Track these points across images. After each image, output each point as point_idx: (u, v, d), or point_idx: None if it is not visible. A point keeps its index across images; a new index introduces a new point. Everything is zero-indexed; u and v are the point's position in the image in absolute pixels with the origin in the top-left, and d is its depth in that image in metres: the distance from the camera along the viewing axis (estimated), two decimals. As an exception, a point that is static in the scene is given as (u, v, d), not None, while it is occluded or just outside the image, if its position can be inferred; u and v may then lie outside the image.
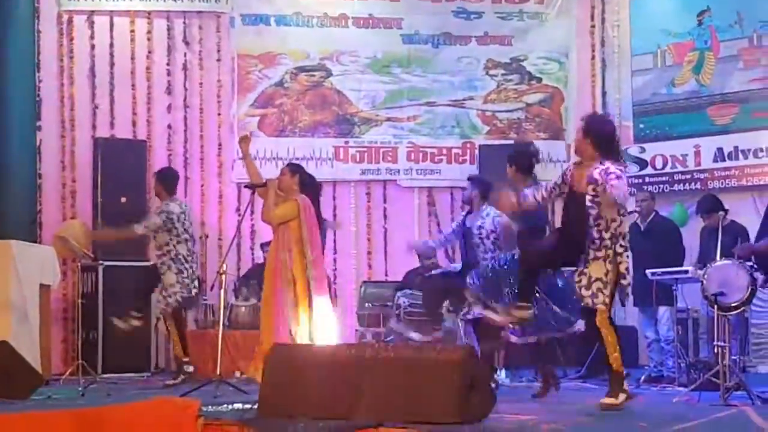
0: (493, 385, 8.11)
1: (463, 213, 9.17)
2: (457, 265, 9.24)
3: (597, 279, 6.82)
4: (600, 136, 6.97)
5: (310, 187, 8.44)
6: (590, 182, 6.82)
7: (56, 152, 11.97)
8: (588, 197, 6.83)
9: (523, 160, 8.25)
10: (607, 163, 6.82)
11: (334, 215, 12.23)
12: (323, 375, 6.07)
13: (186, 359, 9.53)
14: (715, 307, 7.57)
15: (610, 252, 6.83)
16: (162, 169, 10.41)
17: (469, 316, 8.48)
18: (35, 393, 7.90)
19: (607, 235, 6.82)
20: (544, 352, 8.42)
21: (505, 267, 8.20)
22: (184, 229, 9.55)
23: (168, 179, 9.84)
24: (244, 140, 8.86)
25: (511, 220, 8.27)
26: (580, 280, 6.90)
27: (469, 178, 9.40)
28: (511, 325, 8.03)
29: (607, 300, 6.84)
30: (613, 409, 6.74)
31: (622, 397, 6.83)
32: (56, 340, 11.10)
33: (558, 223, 7.65)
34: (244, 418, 6.08)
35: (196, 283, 9.65)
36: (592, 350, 8.87)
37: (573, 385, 9.41)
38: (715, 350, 7.62)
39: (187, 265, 9.54)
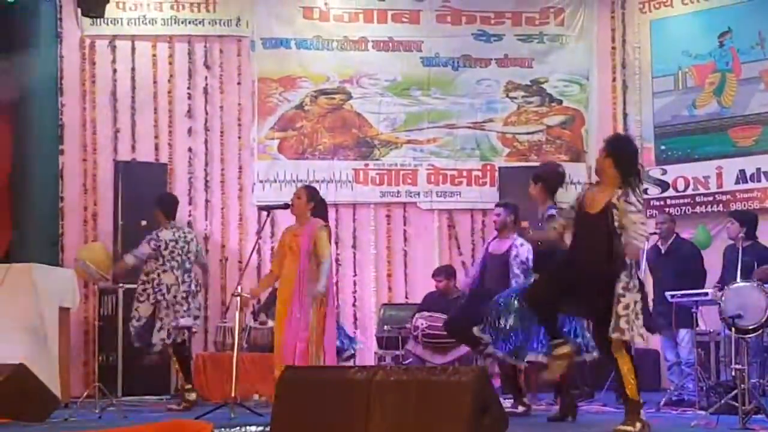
0: (523, 409, 8.12)
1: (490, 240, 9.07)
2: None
3: (634, 311, 6.65)
4: (622, 157, 6.85)
5: (322, 211, 8.48)
6: (609, 207, 6.70)
7: (78, 176, 12.05)
8: (611, 221, 6.67)
9: (552, 179, 8.20)
10: (628, 190, 6.72)
11: (354, 237, 12.28)
12: (335, 397, 6.03)
13: (188, 386, 9.43)
14: (733, 329, 7.51)
15: (636, 282, 6.74)
16: (161, 194, 10.38)
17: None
18: (52, 416, 7.91)
19: (632, 262, 6.70)
20: (564, 377, 8.33)
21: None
22: (172, 257, 9.42)
23: (165, 204, 9.76)
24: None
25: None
26: (626, 309, 6.64)
27: (502, 204, 9.27)
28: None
29: (640, 331, 6.73)
30: None
31: (638, 425, 6.66)
32: (77, 362, 11.13)
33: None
34: (256, 440, 6.08)
35: (180, 316, 9.40)
36: (608, 373, 8.82)
37: (591, 408, 9.33)
38: (734, 373, 7.55)
39: (167, 295, 9.37)
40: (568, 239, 7.10)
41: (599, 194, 6.85)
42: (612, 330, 6.64)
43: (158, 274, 9.40)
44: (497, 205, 9.30)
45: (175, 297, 9.39)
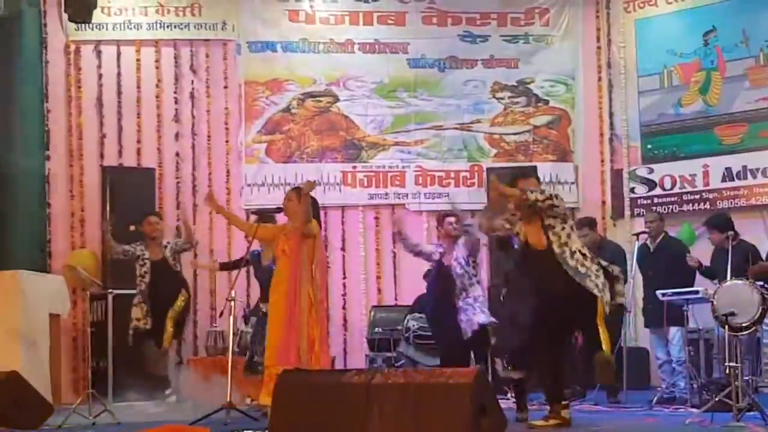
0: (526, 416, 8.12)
1: (440, 250, 9.01)
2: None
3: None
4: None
5: (316, 213, 8.44)
6: (548, 230, 7.04)
7: (65, 181, 12.02)
8: (555, 244, 7.03)
9: None
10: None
11: (343, 240, 12.28)
12: (333, 401, 6.04)
13: (168, 391, 9.75)
14: (726, 327, 7.53)
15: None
16: None
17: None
18: (45, 423, 7.87)
19: (588, 262, 7.09)
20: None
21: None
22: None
23: None
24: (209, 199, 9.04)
25: (501, 260, 8.32)
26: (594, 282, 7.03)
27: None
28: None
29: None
30: None
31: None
32: (67, 369, 11.11)
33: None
34: (254, 445, 6.07)
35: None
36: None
37: (582, 407, 9.35)
38: (727, 371, 7.57)
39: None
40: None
41: (535, 230, 7.14)
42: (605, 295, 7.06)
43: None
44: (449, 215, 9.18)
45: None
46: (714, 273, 9.32)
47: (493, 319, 8.37)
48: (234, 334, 8.77)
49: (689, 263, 9.48)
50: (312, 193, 8.30)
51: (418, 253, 9.13)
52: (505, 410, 6.41)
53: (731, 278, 8.03)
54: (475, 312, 8.43)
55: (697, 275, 9.83)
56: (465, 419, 5.69)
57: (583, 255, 7.04)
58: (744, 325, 7.55)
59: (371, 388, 5.99)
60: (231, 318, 8.29)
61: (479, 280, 8.72)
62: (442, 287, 8.71)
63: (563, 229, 7.03)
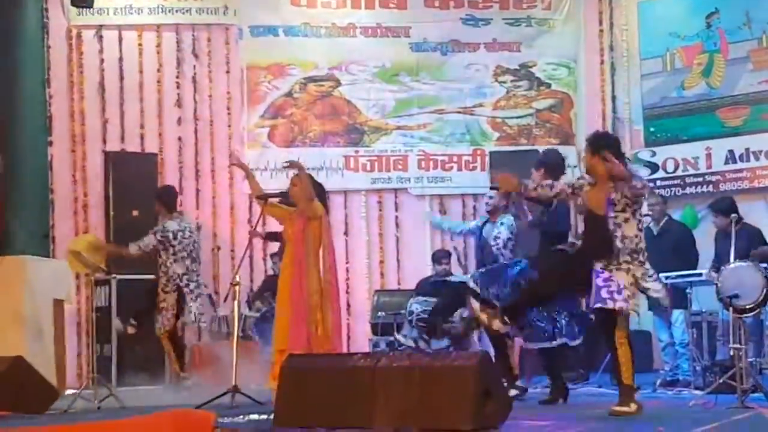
0: (516, 392, 8.12)
1: (480, 223, 9.11)
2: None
3: (632, 284, 6.88)
4: (608, 147, 7.02)
5: (320, 195, 8.45)
6: (610, 204, 6.89)
7: (67, 167, 12.00)
8: (611, 220, 6.90)
9: (555, 166, 8.22)
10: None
11: (346, 225, 12.28)
12: (338, 384, 6.06)
13: (184, 375, 9.55)
14: (731, 309, 7.54)
15: (631, 266, 6.90)
16: (161, 187, 10.55)
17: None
18: (51, 407, 7.90)
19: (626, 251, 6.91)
20: (555, 359, 8.36)
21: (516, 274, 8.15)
22: (182, 247, 9.51)
23: (165, 197, 9.86)
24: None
25: (531, 226, 8.26)
26: (609, 286, 6.89)
27: (494, 188, 9.27)
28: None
29: (635, 308, 6.98)
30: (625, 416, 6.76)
31: (633, 406, 6.84)
32: (71, 354, 11.08)
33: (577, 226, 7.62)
34: (260, 429, 6.07)
35: (197, 302, 9.61)
36: (602, 355, 8.92)
37: (587, 390, 9.37)
38: (732, 353, 7.59)
39: (182, 284, 9.52)
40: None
41: (599, 194, 7.00)
42: (593, 302, 6.91)
43: (169, 264, 9.50)
44: (492, 188, 9.27)
45: (188, 285, 9.53)
46: (718, 256, 9.33)
47: None
48: (238, 318, 8.79)
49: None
50: (316, 177, 8.34)
51: (464, 235, 9.30)
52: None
53: (735, 261, 8.02)
54: None
55: (700, 258, 9.85)
56: (469, 402, 5.70)
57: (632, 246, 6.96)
58: (748, 307, 7.56)
59: (377, 371, 6.01)
60: (235, 302, 8.32)
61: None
62: (481, 260, 8.81)
63: (624, 211, 6.91)
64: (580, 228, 7.75)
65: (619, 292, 6.85)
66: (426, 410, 5.74)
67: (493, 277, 8.10)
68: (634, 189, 6.85)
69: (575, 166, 12.37)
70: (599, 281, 6.88)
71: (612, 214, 6.89)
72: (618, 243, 6.85)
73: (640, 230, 7.00)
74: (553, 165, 8.22)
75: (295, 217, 8.26)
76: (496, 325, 7.40)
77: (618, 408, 6.82)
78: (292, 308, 8.01)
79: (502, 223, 8.75)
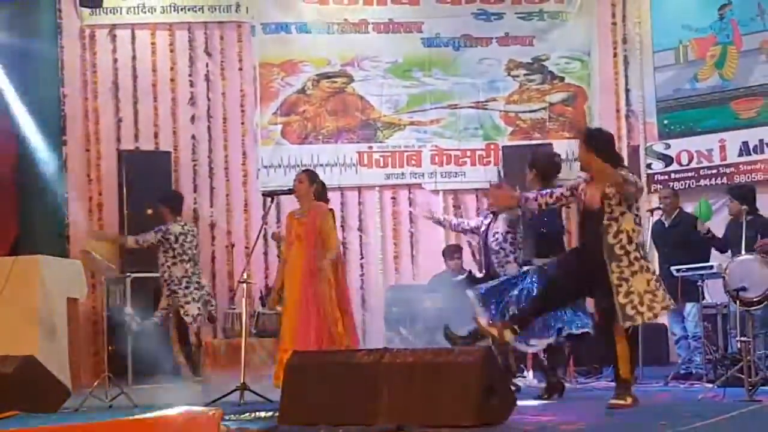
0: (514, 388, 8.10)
1: (486, 221, 9.06)
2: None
3: (647, 291, 6.83)
4: (601, 146, 7.02)
5: (323, 194, 8.52)
6: (605, 198, 6.85)
7: (82, 166, 12.06)
8: (606, 215, 6.86)
9: (546, 166, 8.19)
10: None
11: (360, 220, 12.30)
12: (343, 381, 6.08)
13: (197, 378, 9.62)
14: (737, 302, 7.53)
15: (643, 262, 6.87)
16: (166, 192, 10.60)
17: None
18: (63, 406, 7.95)
19: (632, 248, 6.85)
20: (554, 355, 8.35)
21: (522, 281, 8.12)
22: (183, 251, 9.58)
23: (170, 201, 9.93)
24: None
25: (525, 227, 8.24)
26: (628, 297, 6.83)
27: (496, 186, 9.22)
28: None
29: (664, 304, 6.92)
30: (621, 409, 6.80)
31: (629, 399, 6.89)
32: (87, 353, 11.16)
33: (569, 226, 7.60)
34: (265, 426, 6.10)
35: (198, 303, 9.62)
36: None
37: (599, 384, 9.37)
38: (739, 346, 7.57)
39: (180, 288, 9.56)
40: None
41: (595, 190, 6.93)
42: (622, 320, 6.82)
43: (168, 267, 9.57)
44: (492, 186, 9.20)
45: (187, 288, 9.55)
46: (727, 245, 9.32)
47: None
48: (251, 315, 8.84)
49: (699, 228, 9.61)
50: (327, 175, 8.42)
51: (464, 232, 9.26)
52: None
53: (744, 252, 8.00)
54: None
55: (713, 250, 9.83)
56: (473, 398, 5.72)
57: (630, 243, 6.92)
58: (755, 299, 7.54)
59: (381, 367, 6.03)
60: (244, 300, 8.36)
61: (517, 257, 8.47)
62: (484, 263, 8.73)
63: (620, 204, 6.88)
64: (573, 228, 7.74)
65: (641, 303, 6.81)
66: (430, 406, 5.76)
67: (495, 294, 8.08)
68: (627, 193, 6.83)
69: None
70: (620, 298, 6.81)
71: (608, 209, 6.85)
72: (610, 239, 6.81)
73: (639, 224, 6.96)
74: (545, 166, 8.20)
75: (302, 217, 8.32)
76: (507, 336, 7.36)
77: (615, 401, 6.90)
78: (300, 311, 8.05)
79: (501, 218, 8.66)
